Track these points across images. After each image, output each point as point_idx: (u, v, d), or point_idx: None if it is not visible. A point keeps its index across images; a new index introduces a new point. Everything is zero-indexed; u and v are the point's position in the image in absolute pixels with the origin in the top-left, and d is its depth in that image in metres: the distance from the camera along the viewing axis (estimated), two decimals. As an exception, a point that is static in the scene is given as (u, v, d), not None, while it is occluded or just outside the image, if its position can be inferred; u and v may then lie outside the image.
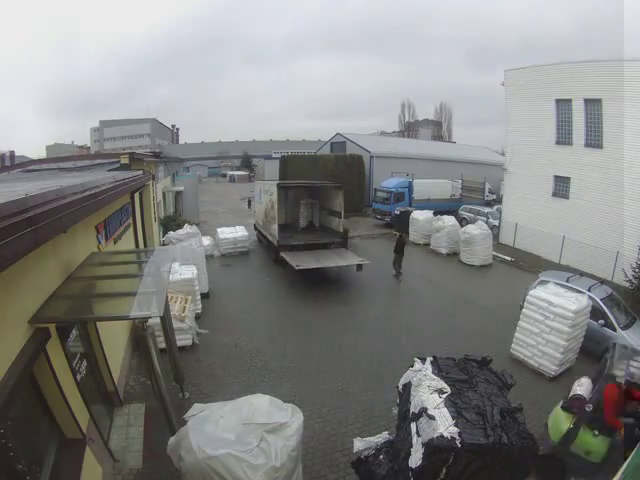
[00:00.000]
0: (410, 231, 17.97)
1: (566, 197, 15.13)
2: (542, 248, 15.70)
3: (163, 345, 5.77)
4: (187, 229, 11.17)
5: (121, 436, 5.13)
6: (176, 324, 6.93)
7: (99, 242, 5.66)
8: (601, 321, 8.00)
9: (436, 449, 3.16)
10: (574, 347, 7.48)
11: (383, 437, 4.37)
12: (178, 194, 20.79)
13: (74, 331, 4.35)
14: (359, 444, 4.32)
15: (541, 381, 7.28)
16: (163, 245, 11.41)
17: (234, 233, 15.37)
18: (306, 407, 5.60)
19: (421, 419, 3.45)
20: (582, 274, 9.87)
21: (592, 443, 4.57)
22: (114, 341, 5.96)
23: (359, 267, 11.45)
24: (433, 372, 4.02)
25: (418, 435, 3.41)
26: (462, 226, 15.97)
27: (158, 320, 4.97)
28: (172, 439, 3.66)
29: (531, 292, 7.91)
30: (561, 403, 5.09)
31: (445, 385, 3.77)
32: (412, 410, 3.68)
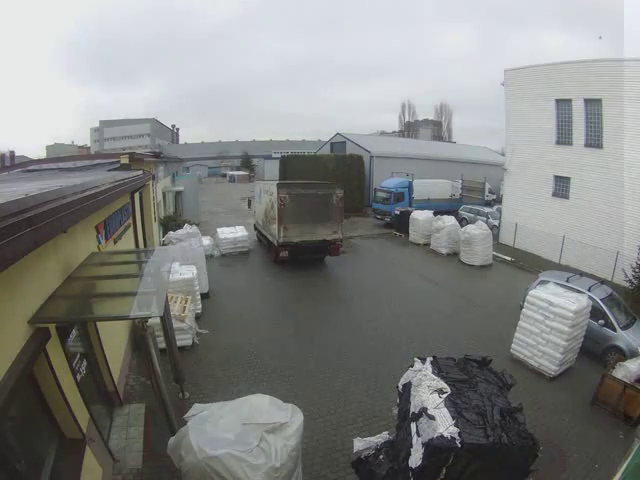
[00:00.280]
0: (410, 231, 17.99)
1: (566, 197, 15.13)
2: (542, 248, 15.71)
3: (163, 345, 5.76)
4: (187, 229, 11.17)
5: (121, 436, 5.13)
6: (176, 324, 6.93)
7: (99, 242, 5.66)
8: (601, 321, 8.00)
9: (436, 449, 3.16)
10: (574, 347, 7.49)
11: (383, 437, 4.37)
12: (178, 194, 20.79)
13: (74, 331, 4.35)
14: (359, 444, 4.32)
15: (541, 381, 7.28)
16: (163, 245, 11.40)
17: (234, 233, 15.38)
18: (306, 407, 5.59)
19: (421, 419, 3.45)
20: (582, 274, 9.88)
21: None
22: (114, 341, 5.96)
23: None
24: (433, 372, 4.02)
25: (418, 435, 3.41)
26: (462, 226, 15.98)
27: (158, 320, 4.98)
28: (172, 439, 3.67)
29: (531, 292, 7.91)
30: None
31: (445, 385, 3.77)
32: (412, 410, 3.68)
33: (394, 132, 69.09)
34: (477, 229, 14.70)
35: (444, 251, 15.85)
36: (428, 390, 3.71)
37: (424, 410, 3.46)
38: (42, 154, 56.58)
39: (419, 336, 8.68)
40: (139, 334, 4.10)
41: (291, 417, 3.77)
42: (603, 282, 9.24)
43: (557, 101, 14.95)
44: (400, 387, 4.38)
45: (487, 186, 25.33)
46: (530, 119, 16.16)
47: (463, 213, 21.31)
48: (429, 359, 4.29)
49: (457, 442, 3.14)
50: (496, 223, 18.47)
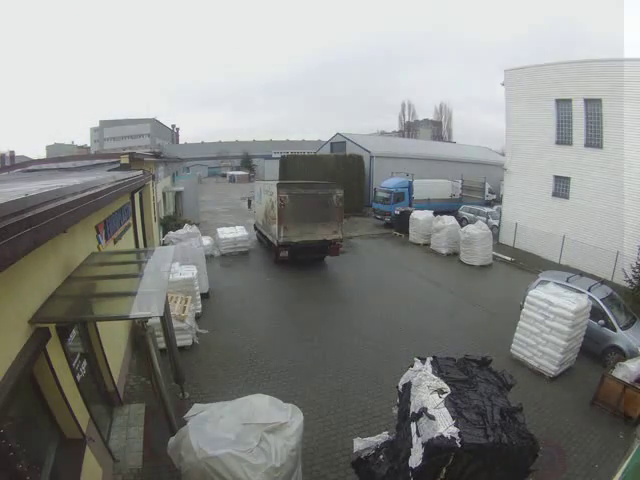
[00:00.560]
0: (410, 231, 17.99)
1: (566, 197, 15.13)
2: (542, 248, 15.71)
3: (163, 345, 5.77)
4: (187, 229, 11.18)
5: (121, 436, 5.13)
6: (176, 324, 6.93)
7: (99, 242, 5.66)
8: (601, 321, 8.00)
9: (436, 449, 3.16)
10: (574, 347, 7.49)
11: (383, 437, 4.37)
12: (178, 194, 20.79)
13: (74, 331, 4.35)
14: (359, 444, 4.32)
15: (541, 381, 7.28)
16: (163, 245, 11.40)
17: (234, 233, 15.38)
18: (306, 407, 5.60)
19: (421, 419, 3.45)
20: (582, 274, 9.87)
21: None
22: (114, 341, 5.96)
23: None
24: (433, 372, 4.02)
25: (418, 435, 3.41)
26: (462, 226, 15.97)
27: (158, 320, 4.97)
28: (172, 439, 3.67)
29: (531, 292, 7.91)
30: None
31: (445, 385, 3.77)
32: (412, 410, 3.68)
33: (394, 132, 69.09)
34: (477, 229, 14.70)
35: (444, 251, 15.85)
36: (428, 390, 3.71)
37: (424, 410, 3.46)
38: (42, 154, 56.60)
39: (419, 336, 8.68)
40: (139, 334, 4.10)
41: (291, 417, 3.77)
42: (603, 282, 9.24)
43: (557, 101, 14.95)
44: (400, 387, 4.38)
45: (487, 186, 25.34)
46: (530, 119, 16.15)
47: (463, 213, 21.31)
48: (429, 359, 4.29)
49: (457, 442, 3.14)
50: (496, 223, 18.47)
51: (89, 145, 67.42)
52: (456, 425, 3.27)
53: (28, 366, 2.92)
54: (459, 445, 3.13)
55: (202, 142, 68.48)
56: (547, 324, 7.34)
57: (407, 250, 16.91)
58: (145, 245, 10.49)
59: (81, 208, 3.41)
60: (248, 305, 10.20)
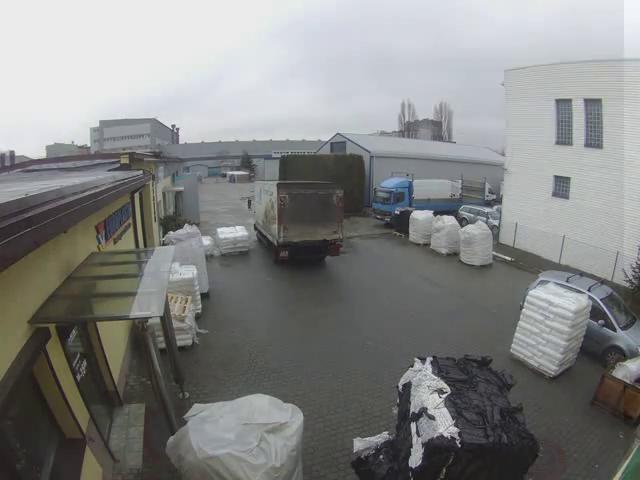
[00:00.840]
0: (410, 231, 17.98)
1: (566, 197, 15.13)
2: (542, 248, 15.71)
3: (163, 345, 5.77)
4: (187, 229, 11.16)
5: (121, 436, 5.13)
6: (176, 324, 6.93)
7: (99, 242, 5.66)
8: (601, 321, 8.00)
9: (436, 449, 3.16)
10: (574, 347, 7.49)
11: (383, 437, 4.37)
12: (178, 194, 20.79)
13: (74, 331, 4.35)
14: (359, 444, 4.32)
15: (541, 381, 7.28)
16: (163, 245, 11.40)
17: (234, 233, 15.38)
18: (306, 407, 5.60)
19: (421, 419, 3.45)
20: (582, 274, 9.87)
21: None
22: (114, 341, 5.95)
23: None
24: (433, 372, 4.02)
25: (418, 435, 3.41)
26: (462, 226, 15.97)
27: (158, 320, 4.97)
28: (171, 439, 3.66)
29: (531, 292, 7.91)
30: None
31: (445, 385, 3.77)
32: (412, 410, 3.68)
33: (394, 132, 69.07)
34: (477, 229, 14.70)
35: (444, 251, 15.84)
36: (428, 390, 3.71)
37: (424, 410, 3.46)
38: (42, 154, 56.58)
39: (419, 336, 8.68)
40: (139, 334, 4.09)
41: (291, 417, 3.77)
42: (603, 282, 9.24)
43: (557, 101, 14.95)
44: (400, 387, 4.38)
45: (487, 186, 25.31)
46: (530, 119, 16.15)
47: (463, 213, 21.31)
48: (429, 359, 4.29)
49: (457, 442, 3.14)
50: (496, 223, 18.47)
51: (89, 145, 67.44)
52: (456, 425, 3.27)
53: (28, 366, 2.92)
54: (459, 445, 3.13)
55: (202, 142, 68.47)
56: (547, 324, 7.34)
57: (407, 250, 16.91)
58: (145, 245, 10.49)
59: (81, 208, 3.40)
60: (248, 305, 10.20)
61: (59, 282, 3.81)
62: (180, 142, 73.32)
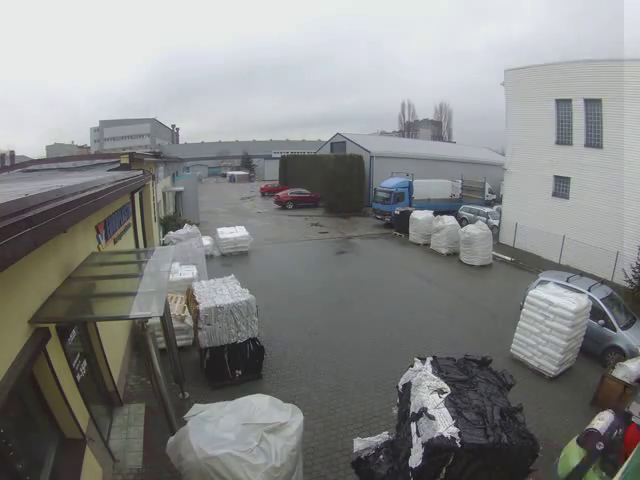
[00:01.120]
0: (410, 231, 17.98)
1: (566, 197, 15.13)
2: (542, 248, 15.70)
3: (163, 345, 5.77)
4: (187, 229, 11.19)
5: (121, 436, 5.13)
6: (176, 324, 6.93)
7: (99, 242, 5.66)
8: (601, 321, 8.00)
9: (436, 449, 3.15)
10: (574, 347, 7.49)
11: (383, 437, 4.37)
12: (178, 194, 20.79)
13: (74, 331, 4.35)
14: (359, 444, 4.32)
15: (541, 381, 7.28)
16: (163, 245, 11.40)
17: (234, 233, 15.38)
18: (306, 407, 5.61)
19: (421, 419, 3.45)
20: (582, 274, 9.88)
21: None
22: (114, 341, 5.96)
23: None
24: (433, 372, 4.02)
25: (418, 435, 3.41)
26: (462, 226, 15.96)
27: (158, 320, 4.98)
28: (171, 439, 3.66)
29: (531, 292, 7.91)
30: (577, 436, 4.69)
31: (445, 385, 3.76)
32: (412, 410, 3.68)
33: (394, 132, 69.08)
34: (477, 229, 14.69)
35: (444, 251, 15.84)
36: (428, 390, 3.71)
37: (424, 410, 3.46)
38: (42, 154, 56.57)
39: (419, 336, 8.68)
40: (139, 334, 4.10)
41: (291, 417, 3.77)
42: (603, 282, 9.24)
43: (557, 101, 14.94)
44: (400, 387, 4.38)
45: (487, 186, 25.29)
46: (530, 119, 16.15)
47: (463, 213, 21.30)
48: (429, 359, 4.29)
49: (457, 442, 3.14)
50: (496, 223, 18.46)
51: (89, 145, 67.46)
52: (456, 425, 3.27)
53: (28, 366, 2.92)
54: (459, 445, 3.13)
55: (202, 142, 68.49)
56: (547, 324, 7.34)
57: (407, 250, 16.91)
58: (145, 245, 10.49)
59: (81, 208, 3.41)
60: (248, 305, 10.18)
61: (59, 282, 3.81)
62: (180, 142, 73.39)
